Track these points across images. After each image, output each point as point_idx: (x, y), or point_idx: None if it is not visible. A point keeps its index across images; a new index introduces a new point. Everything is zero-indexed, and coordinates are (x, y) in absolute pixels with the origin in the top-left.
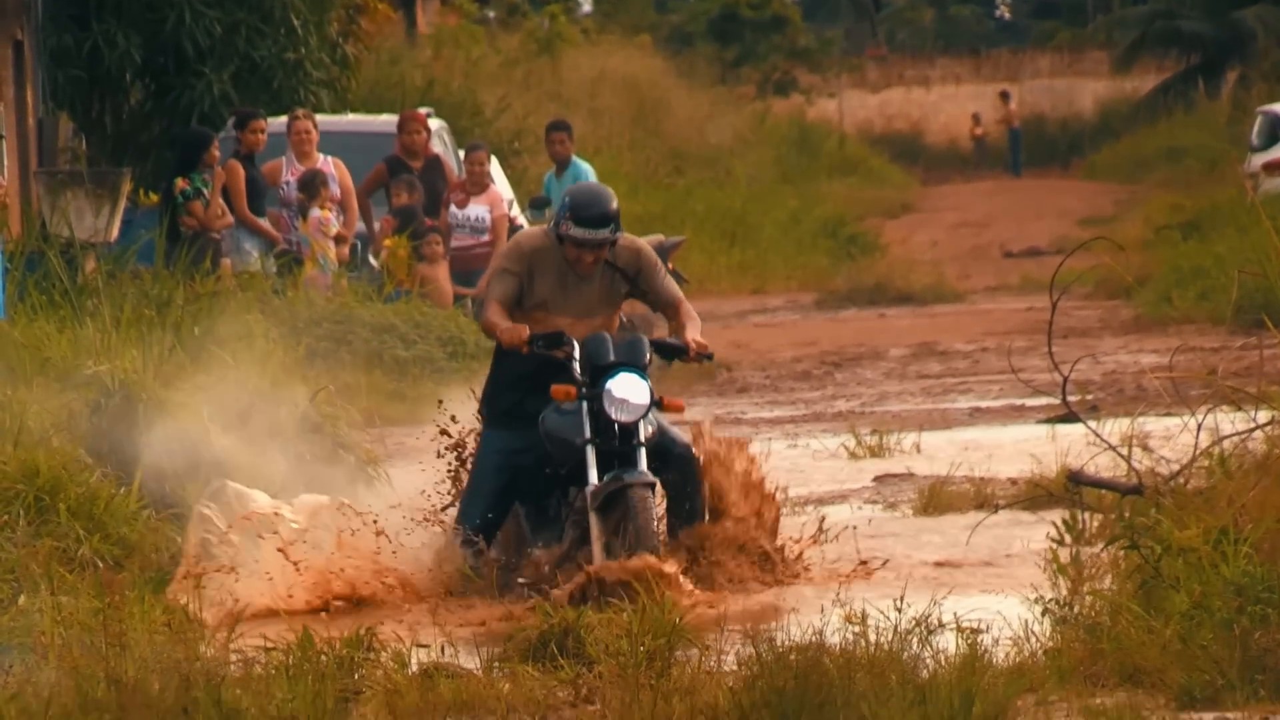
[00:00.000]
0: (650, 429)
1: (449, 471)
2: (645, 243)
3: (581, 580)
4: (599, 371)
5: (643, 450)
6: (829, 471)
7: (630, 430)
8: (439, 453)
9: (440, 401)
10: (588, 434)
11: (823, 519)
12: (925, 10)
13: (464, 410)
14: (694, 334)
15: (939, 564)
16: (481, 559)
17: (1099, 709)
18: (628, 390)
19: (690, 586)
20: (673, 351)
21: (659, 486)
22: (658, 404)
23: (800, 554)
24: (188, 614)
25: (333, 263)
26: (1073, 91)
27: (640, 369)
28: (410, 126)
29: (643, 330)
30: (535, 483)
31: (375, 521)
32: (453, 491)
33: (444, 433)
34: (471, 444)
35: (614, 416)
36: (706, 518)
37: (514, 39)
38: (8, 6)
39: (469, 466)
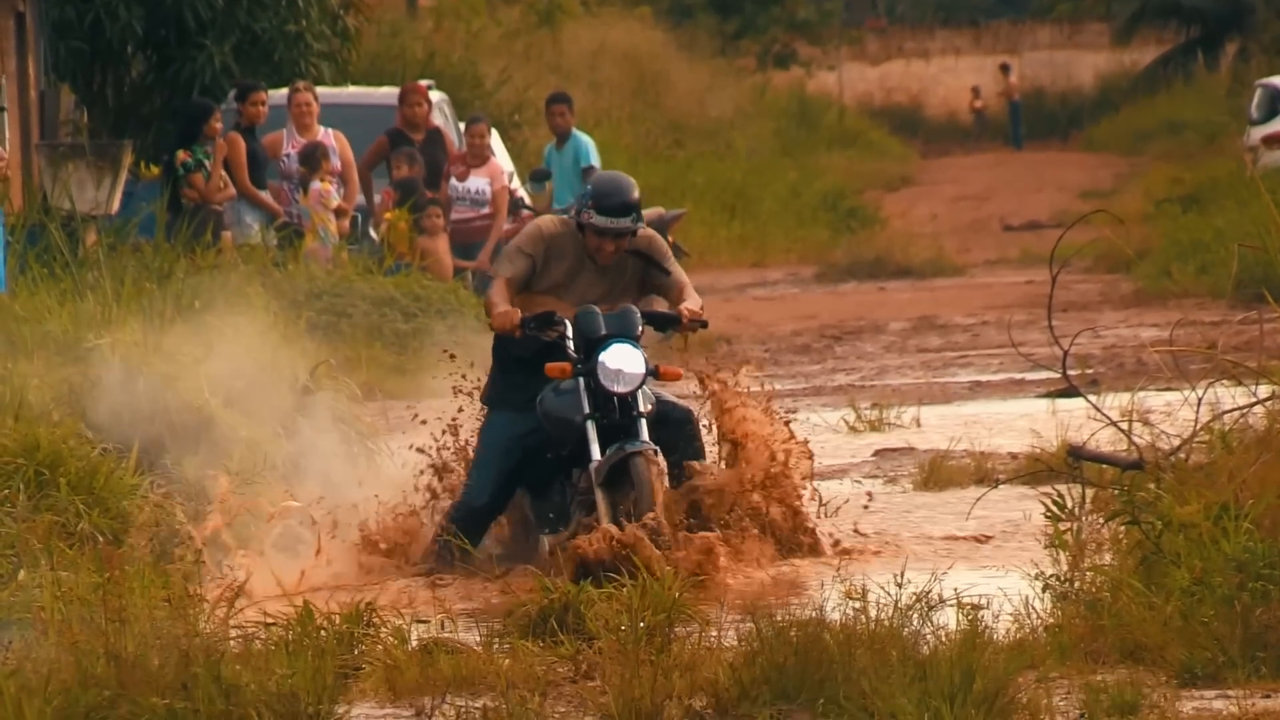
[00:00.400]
0: (650, 402)
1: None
2: (654, 233)
3: (573, 559)
4: (592, 345)
5: (644, 422)
6: (829, 446)
7: (630, 403)
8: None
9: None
10: (586, 410)
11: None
12: None
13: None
14: (690, 305)
15: (939, 539)
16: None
17: (1100, 685)
18: (622, 361)
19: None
20: (665, 321)
21: (661, 454)
22: (654, 373)
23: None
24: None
25: (333, 235)
26: (1072, 64)
27: (633, 339)
28: (412, 99)
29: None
30: (539, 468)
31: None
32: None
33: (456, 391)
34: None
35: (610, 388)
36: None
37: (514, 11)
38: None
39: (469, 450)
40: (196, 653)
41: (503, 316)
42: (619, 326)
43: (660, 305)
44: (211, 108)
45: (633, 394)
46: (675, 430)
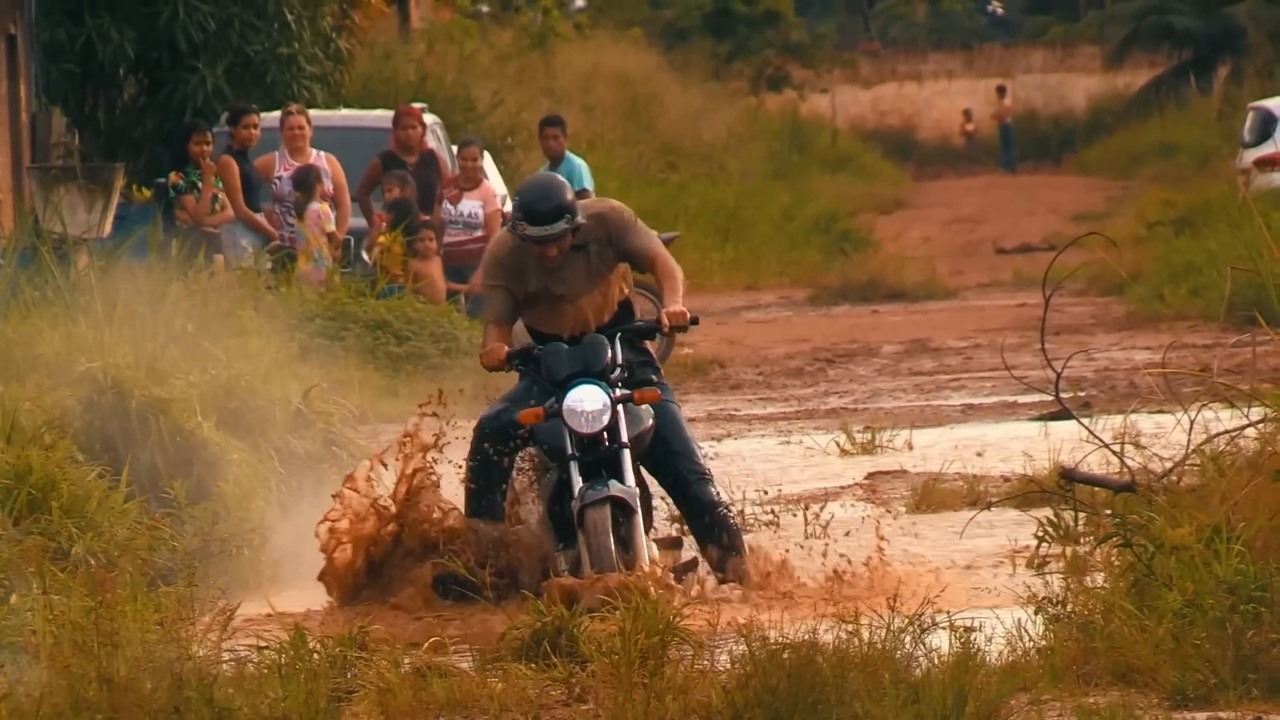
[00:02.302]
0: (639, 424)
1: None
2: (612, 202)
3: (558, 596)
4: (558, 386)
5: (626, 453)
6: (821, 469)
7: (610, 435)
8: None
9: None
10: (570, 449)
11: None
12: (918, 5)
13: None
14: (672, 300)
15: (931, 562)
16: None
17: (1092, 708)
18: (584, 403)
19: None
20: (645, 333)
21: (630, 499)
22: (629, 399)
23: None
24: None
25: (327, 258)
26: (1065, 87)
27: (598, 373)
28: (406, 121)
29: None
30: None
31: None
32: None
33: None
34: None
35: (579, 431)
36: (743, 549)
37: (507, 34)
38: (1, 1)
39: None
40: (189, 676)
41: (488, 355)
42: (584, 362)
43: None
44: (191, 127)
45: (606, 430)
46: (695, 512)
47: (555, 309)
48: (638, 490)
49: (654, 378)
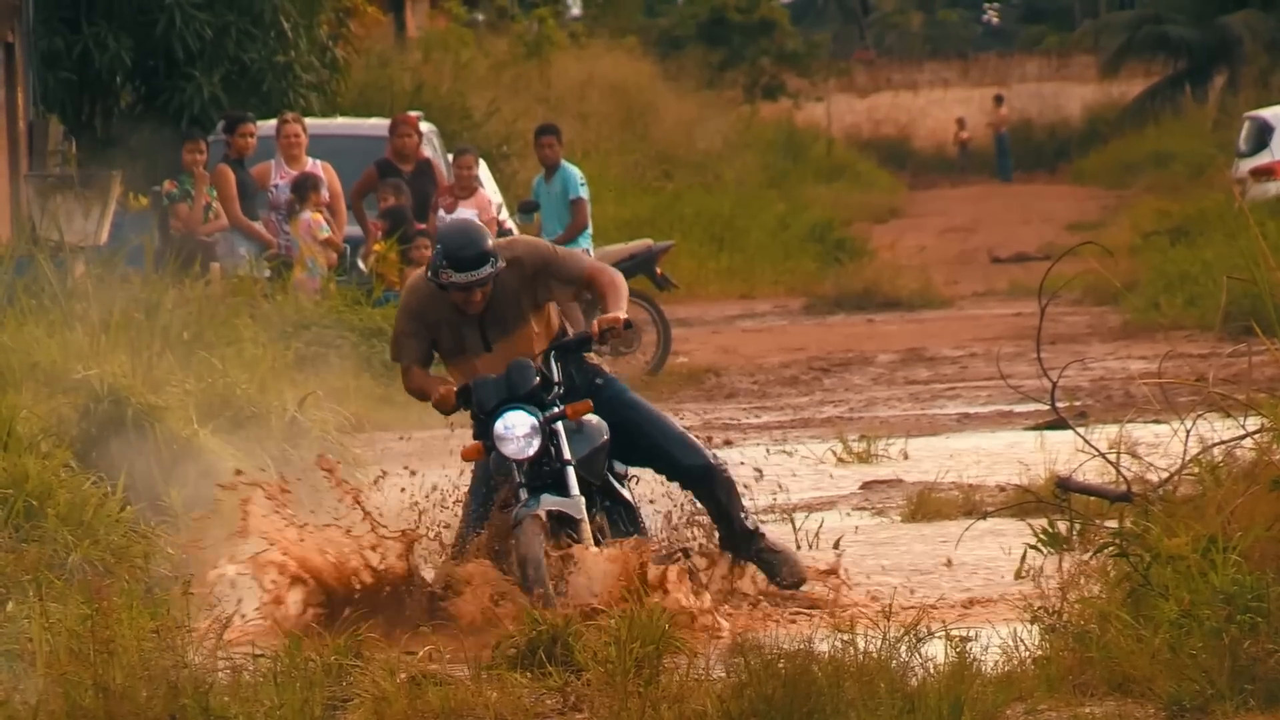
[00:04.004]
0: (591, 443)
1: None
2: (527, 240)
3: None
4: (490, 416)
5: (570, 469)
6: (816, 478)
7: (551, 455)
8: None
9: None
10: (519, 478)
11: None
12: (913, 14)
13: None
14: (613, 307)
15: (927, 571)
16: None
17: (1088, 718)
18: (511, 428)
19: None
20: (578, 346)
21: (570, 510)
22: (562, 417)
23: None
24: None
25: (321, 267)
26: (1060, 96)
27: (523, 398)
28: (402, 129)
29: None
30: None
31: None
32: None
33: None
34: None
35: (513, 458)
36: (748, 522)
37: (502, 42)
38: None
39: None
40: (185, 684)
41: (441, 401)
42: (509, 389)
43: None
44: (183, 138)
45: (540, 453)
46: (694, 484)
47: (467, 364)
48: (580, 500)
49: (598, 381)
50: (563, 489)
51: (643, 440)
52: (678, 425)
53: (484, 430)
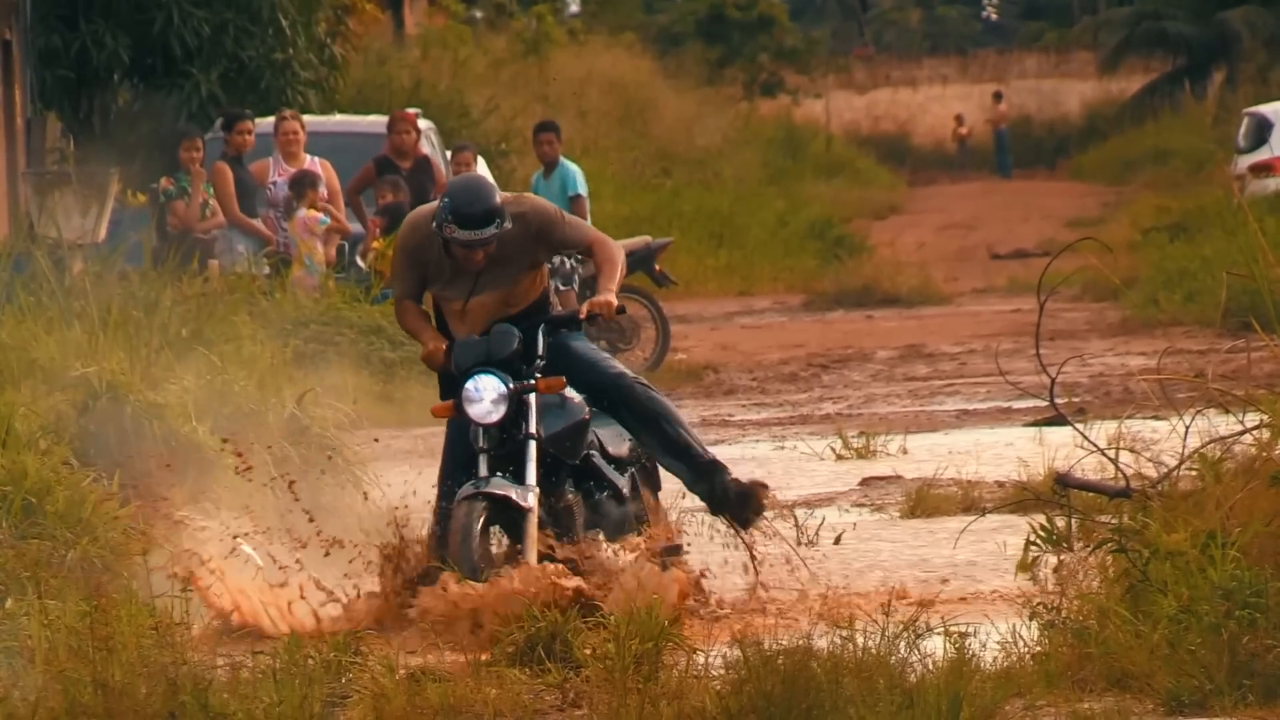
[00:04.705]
0: (568, 418)
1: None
2: (534, 199)
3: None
4: (465, 377)
5: (532, 445)
6: (815, 474)
7: (517, 426)
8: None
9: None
10: (480, 442)
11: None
12: (912, 11)
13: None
14: (605, 288)
15: (926, 567)
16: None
17: (1087, 713)
18: (480, 392)
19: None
20: (562, 324)
21: (518, 499)
22: (533, 389)
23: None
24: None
25: (319, 264)
26: (1059, 93)
27: (499, 364)
28: (400, 126)
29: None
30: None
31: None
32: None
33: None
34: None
35: (477, 421)
36: (693, 447)
37: (501, 40)
38: None
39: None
40: (184, 681)
41: (429, 355)
42: (487, 353)
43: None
44: (180, 135)
45: (506, 420)
46: (613, 399)
47: (450, 305)
48: (533, 490)
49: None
50: (521, 467)
51: (570, 376)
52: (614, 363)
53: (455, 389)
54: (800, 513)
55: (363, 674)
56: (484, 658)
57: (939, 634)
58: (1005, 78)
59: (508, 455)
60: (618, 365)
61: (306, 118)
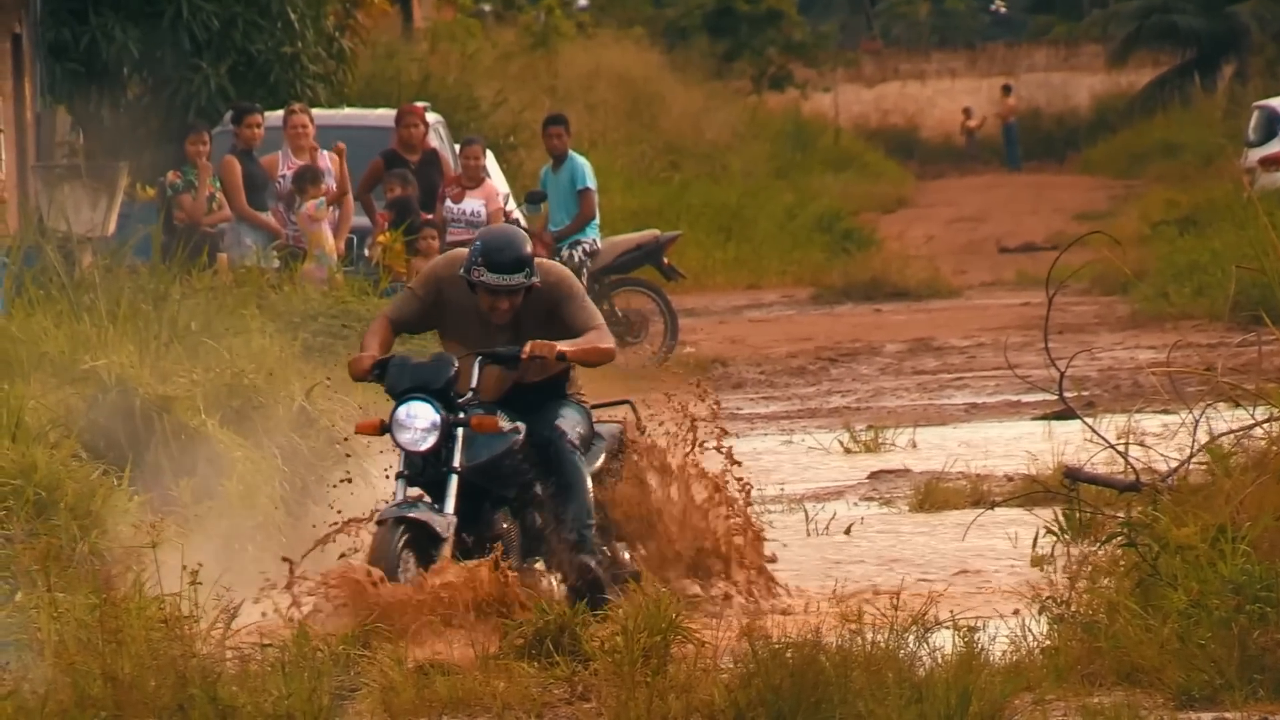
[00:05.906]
0: (490, 451)
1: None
2: (560, 270)
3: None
4: (397, 400)
5: (454, 478)
6: (824, 468)
7: (442, 457)
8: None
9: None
10: (400, 467)
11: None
12: (921, 4)
13: None
14: (567, 342)
15: (936, 561)
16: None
17: (1096, 708)
18: (413, 419)
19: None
20: (502, 360)
21: (436, 527)
22: (465, 425)
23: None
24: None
25: (329, 255)
26: (1068, 86)
27: (433, 392)
28: (408, 120)
29: (638, 327)
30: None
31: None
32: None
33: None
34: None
35: (402, 446)
36: (588, 544)
37: (510, 33)
38: (6, 1)
39: None
40: (193, 674)
41: (355, 363)
42: (422, 379)
43: (652, 320)
44: (189, 129)
45: (435, 450)
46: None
47: (458, 352)
48: (452, 519)
49: (562, 407)
50: (442, 498)
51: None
52: (567, 425)
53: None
54: (809, 506)
55: (371, 666)
56: (492, 651)
57: (948, 628)
58: (1014, 71)
59: (428, 484)
60: (565, 428)
61: (315, 111)
